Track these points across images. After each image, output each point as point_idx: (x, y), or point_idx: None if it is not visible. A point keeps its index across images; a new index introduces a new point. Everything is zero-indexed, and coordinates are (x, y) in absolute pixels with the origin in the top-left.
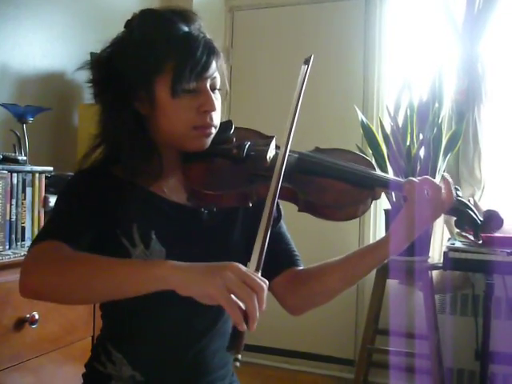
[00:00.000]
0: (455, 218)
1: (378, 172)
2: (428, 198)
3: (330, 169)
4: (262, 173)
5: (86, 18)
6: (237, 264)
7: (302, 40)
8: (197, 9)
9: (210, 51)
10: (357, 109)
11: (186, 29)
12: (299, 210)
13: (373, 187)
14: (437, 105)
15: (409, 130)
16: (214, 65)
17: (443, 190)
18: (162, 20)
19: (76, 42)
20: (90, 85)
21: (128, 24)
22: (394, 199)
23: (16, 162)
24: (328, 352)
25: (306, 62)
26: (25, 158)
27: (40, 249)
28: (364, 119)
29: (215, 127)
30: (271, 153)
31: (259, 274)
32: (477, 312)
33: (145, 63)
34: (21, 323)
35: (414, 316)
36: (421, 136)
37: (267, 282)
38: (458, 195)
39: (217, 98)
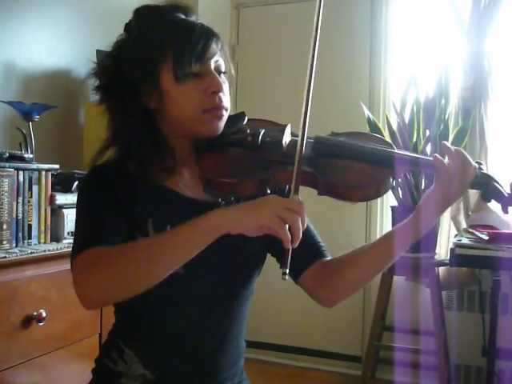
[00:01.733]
0: (481, 192)
1: (398, 150)
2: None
3: (349, 149)
4: (279, 158)
5: (91, 16)
6: (275, 195)
7: (308, 37)
8: (203, 6)
9: (208, 34)
10: (363, 105)
11: (181, 16)
12: (319, 194)
13: (393, 165)
14: (443, 101)
15: (415, 127)
16: (214, 47)
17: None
18: (157, 12)
19: (81, 40)
20: (96, 91)
21: (127, 26)
22: (401, 196)
23: (22, 159)
24: (335, 349)
25: None
26: (31, 155)
27: (82, 262)
28: (370, 116)
29: (226, 109)
30: (287, 138)
31: (298, 196)
32: (484, 308)
33: (146, 56)
34: (28, 321)
35: (421, 312)
36: (427, 132)
37: (303, 202)
38: (481, 169)
39: (224, 81)
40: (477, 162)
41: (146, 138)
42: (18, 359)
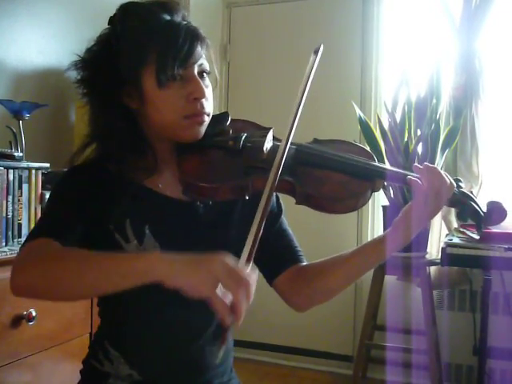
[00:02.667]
0: (457, 211)
1: (378, 163)
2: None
3: (329, 160)
4: (259, 165)
5: (81, 14)
6: (225, 256)
7: (299, 36)
8: (194, 5)
9: (194, 37)
10: (354, 105)
11: (167, 17)
12: (297, 203)
13: (373, 179)
14: (434, 100)
15: (407, 126)
16: (198, 50)
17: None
18: (142, 11)
19: (72, 38)
20: (77, 85)
21: (111, 20)
22: (392, 195)
23: (12, 158)
24: (326, 348)
25: (316, 52)
26: (21, 154)
27: (30, 248)
28: (362, 115)
29: (207, 115)
30: (268, 144)
31: (250, 266)
32: (474, 307)
33: (129, 57)
34: (18, 320)
35: (412, 312)
36: (418, 132)
37: (256, 274)
38: (460, 186)
39: (206, 85)
40: (456, 179)
41: (125, 136)
42: (7, 359)
